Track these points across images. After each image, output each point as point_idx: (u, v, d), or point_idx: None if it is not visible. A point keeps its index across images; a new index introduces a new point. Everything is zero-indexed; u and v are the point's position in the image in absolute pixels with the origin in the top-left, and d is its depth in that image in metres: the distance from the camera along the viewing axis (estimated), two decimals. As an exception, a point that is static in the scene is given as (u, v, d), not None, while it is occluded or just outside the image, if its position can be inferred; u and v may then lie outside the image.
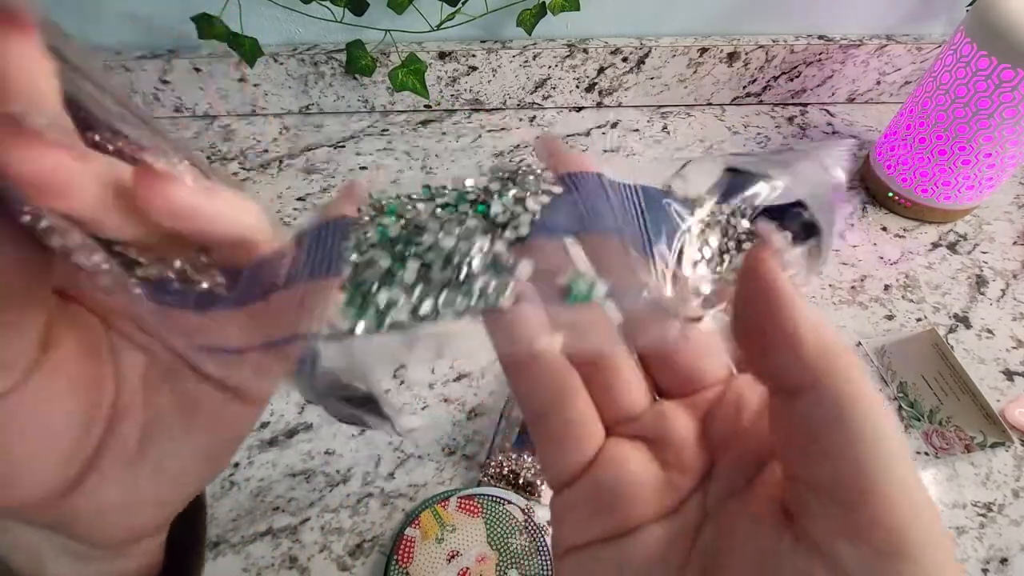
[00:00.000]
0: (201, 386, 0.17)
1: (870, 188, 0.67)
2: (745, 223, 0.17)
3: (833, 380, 0.13)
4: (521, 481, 0.44)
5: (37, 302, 0.14)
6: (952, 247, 0.63)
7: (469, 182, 0.16)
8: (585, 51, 0.70)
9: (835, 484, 0.13)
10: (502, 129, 0.72)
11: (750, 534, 0.15)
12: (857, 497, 0.12)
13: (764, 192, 0.17)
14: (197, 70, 0.66)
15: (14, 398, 0.14)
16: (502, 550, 0.41)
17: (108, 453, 0.16)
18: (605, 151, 0.71)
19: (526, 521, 0.42)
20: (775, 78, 0.75)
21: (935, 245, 0.64)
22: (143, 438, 0.17)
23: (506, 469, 0.44)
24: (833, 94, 0.78)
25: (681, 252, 0.16)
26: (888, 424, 0.12)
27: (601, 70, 0.72)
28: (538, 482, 0.44)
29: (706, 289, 0.16)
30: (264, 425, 0.47)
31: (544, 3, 0.63)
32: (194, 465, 0.18)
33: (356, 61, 0.64)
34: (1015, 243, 0.64)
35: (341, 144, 0.70)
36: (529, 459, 0.44)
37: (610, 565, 0.16)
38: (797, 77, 0.76)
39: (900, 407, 0.51)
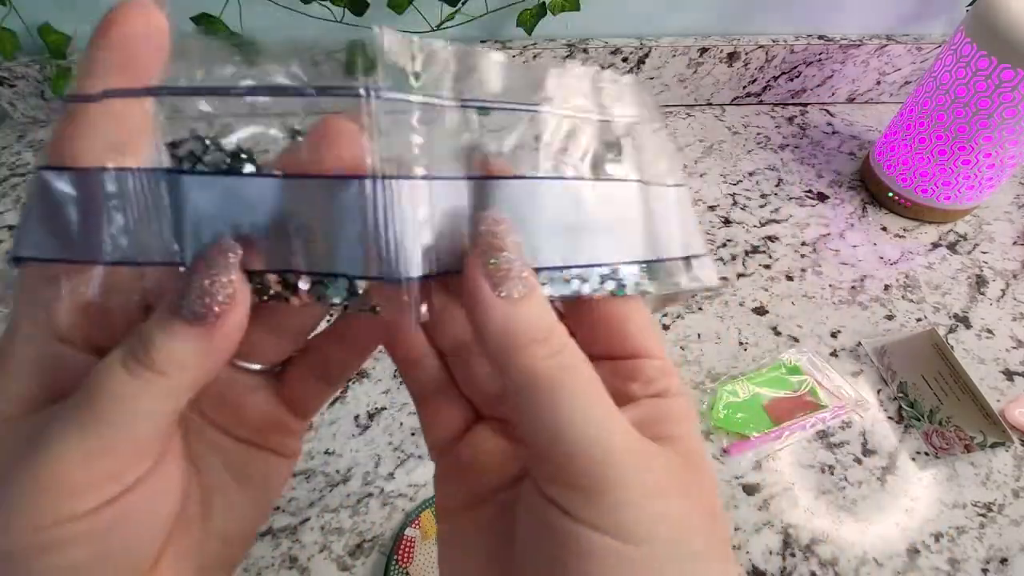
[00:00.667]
0: (240, 446, 0.18)
1: (870, 188, 0.67)
2: None
3: (510, 366, 0.15)
4: None
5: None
6: (952, 247, 0.64)
7: None
8: (585, 51, 0.70)
9: (533, 444, 0.15)
10: (502, 129, 0.72)
11: (525, 495, 0.17)
12: (547, 453, 0.15)
13: None
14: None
15: (137, 491, 0.14)
16: (502, 550, 0.41)
17: (178, 532, 0.17)
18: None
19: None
20: (775, 78, 0.75)
21: (935, 245, 0.64)
22: (203, 509, 0.18)
23: None
24: (833, 94, 0.78)
25: None
26: (566, 388, 0.15)
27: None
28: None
29: None
30: (264, 425, 0.47)
31: (544, 3, 0.63)
32: (251, 522, 0.19)
33: (356, 61, 0.64)
34: (1015, 243, 0.64)
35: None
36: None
37: (471, 525, 0.19)
38: (797, 77, 0.76)
39: (900, 407, 0.51)
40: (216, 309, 0.14)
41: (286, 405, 0.19)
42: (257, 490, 0.19)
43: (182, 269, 0.14)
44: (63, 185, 0.14)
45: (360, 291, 0.15)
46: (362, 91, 0.14)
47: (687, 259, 0.19)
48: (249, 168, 0.14)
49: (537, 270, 0.16)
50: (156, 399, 0.14)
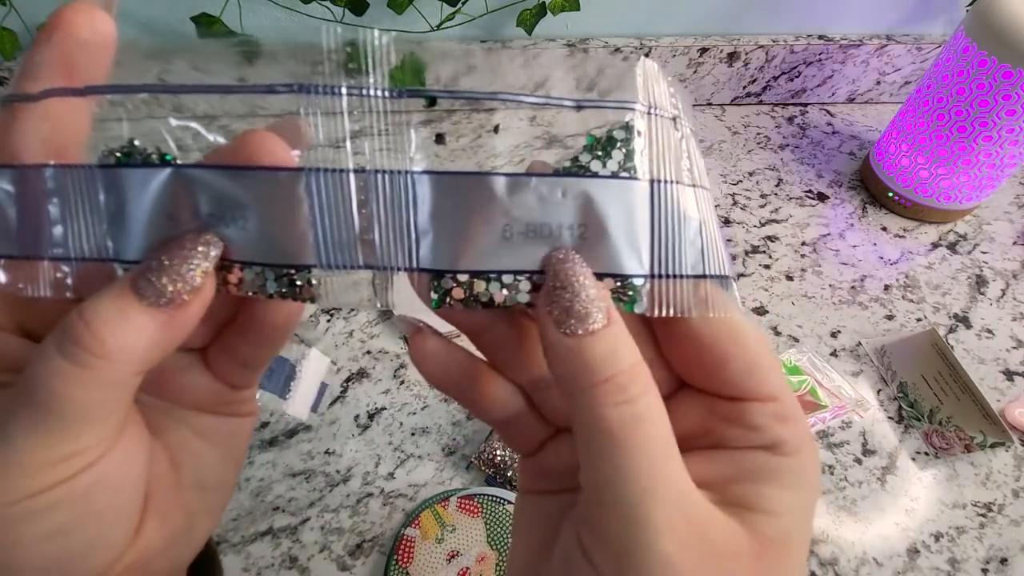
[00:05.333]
0: (192, 413, 0.18)
1: (870, 188, 0.67)
2: None
3: (573, 406, 0.15)
4: (509, 474, 0.44)
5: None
6: (952, 247, 0.63)
7: None
8: (585, 51, 0.70)
9: (582, 483, 0.15)
10: (503, 130, 0.72)
11: (568, 524, 0.17)
12: (589, 499, 0.14)
13: None
14: (197, 70, 0.66)
15: (105, 460, 0.15)
16: (502, 550, 0.41)
17: (154, 487, 0.17)
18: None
19: (526, 521, 0.42)
20: (775, 78, 0.75)
21: (935, 245, 0.64)
22: (174, 466, 0.18)
23: (498, 458, 0.44)
24: (833, 94, 0.78)
25: None
26: (628, 445, 0.14)
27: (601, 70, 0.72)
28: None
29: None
30: (264, 425, 0.47)
31: (544, 3, 0.63)
32: (224, 471, 0.19)
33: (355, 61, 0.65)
34: (1015, 243, 0.64)
35: (341, 144, 0.70)
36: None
37: (546, 509, 0.19)
38: (797, 77, 0.76)
39: (900, 407, 0.51)
40: (185, 297, 0.14)
41: (219, 381, 0.18)
42: (222, 446, 0.19)
43: (117, 266, 0.14)
44: (2, 183, 0.14)
45: (296, 281, 0.15)
46: (295, 87, 0.15)
47: (699, 278, 0.16)
48: (184, 162, 0.15)
49: (455, 272, 0.15)
50: (104, 387, 0.13)
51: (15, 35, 0.60)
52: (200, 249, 0.14)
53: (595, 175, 0.15)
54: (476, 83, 0.16)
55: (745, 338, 0.16)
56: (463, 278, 0.15)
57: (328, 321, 0.53)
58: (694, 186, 0.16)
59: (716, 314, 0.15)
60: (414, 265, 0.15)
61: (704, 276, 0.16)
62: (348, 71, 0.15)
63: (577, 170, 0.15)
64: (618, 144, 0.15)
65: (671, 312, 0.15)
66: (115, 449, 0.15)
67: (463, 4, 0.62)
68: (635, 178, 0.15)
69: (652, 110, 0.16)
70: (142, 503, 0.17)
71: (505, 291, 0.15)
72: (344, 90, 0.15)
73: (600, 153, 0.15)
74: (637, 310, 0.15)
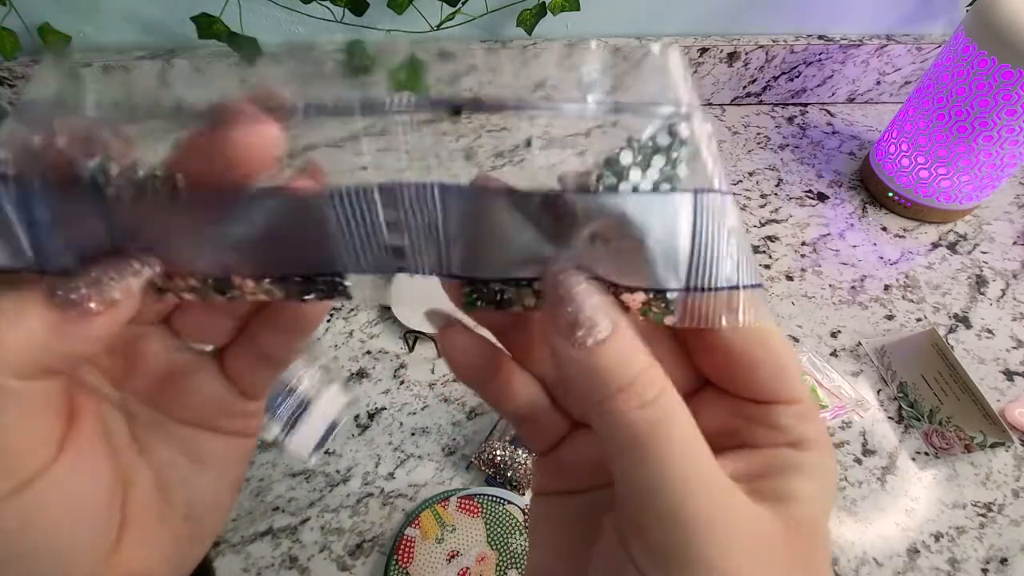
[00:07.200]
0: (191, 430, 0.18)
1: (870, 188, 0.67)
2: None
3: (596, 416, 0.14)
4: (509, 474, 0.44)
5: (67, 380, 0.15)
6: (952, 247, 0.63)
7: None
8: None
9: (618, 491, 0.15)
10: (503, 129, 0.72)
11: (608, 530, 0.17)
12: (628, 506, 0.14)
13: None
14: (197, 70, 0.66)
15: (47, 478, 0.14)
16: (502, 550, 0.41)
17: (135, 511, 0.17)
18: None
19: (526, 521, 0.42)
20: (775, 78, 0.75)
21: (935, 245, 0.64)
22: (160, 489, 0.17)
23: (498, 458, 0.44)
24: (833, 94, 0.78)
25: None
26: (655, 448, 0.14)
27: (601, 70, 0.72)
28: (524, 482, 0.44)
29: None
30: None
31: (544, 3, 0.63)
32: (216, 495, 0.19)
33: (356, 61, 0.64)
34: (1015, 243, 0.64)
35: (340, 144, 0.70)
36: (522, 455, 0.44)
37: (569, 511, 0.19)
38: (797, 77, 0.76)
39: (900, 407, 0.51)
40: (92, 304, 0.13)
41: (233, 386, 0.18)
42: (216, 470, 0.18)
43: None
44: None
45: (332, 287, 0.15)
46: (297, 104, 0.15)
47: (733, 289, 0.15)
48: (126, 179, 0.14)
49: (472, 279, 0.15)
50: None
51: (15, 35, 0.60)
52: (133, 265, 0.14)
53: (634, 188, 0.14)
54: (475, 82, 0.16)
55: (774, 344, 0.16)
56: (495, 285, 0.15)
57: (328, 321, 0.53)
58: (723, 192, 0.15)
59: (747, 324, 0.15)
60: (445, 271, 0.15)
61: (737, 287, 0.15)
62: (352, 74, 0.15)
63: (615, 178, 0.14)
64: (660, 151, 0.14)
65: (704, 324, 0.15)
66: (57, 467, 0.14)
67: (463, 4, 0.62)
68: (678, 189, 0.14)
69: (691, 110, 0.15)
70: (111, 527, 0.16)
71: (535, 298, 0.15)
72: (358, 103, 0.15)
73: (640, 159, 0.14)
74: (668, 322, 0.15)
